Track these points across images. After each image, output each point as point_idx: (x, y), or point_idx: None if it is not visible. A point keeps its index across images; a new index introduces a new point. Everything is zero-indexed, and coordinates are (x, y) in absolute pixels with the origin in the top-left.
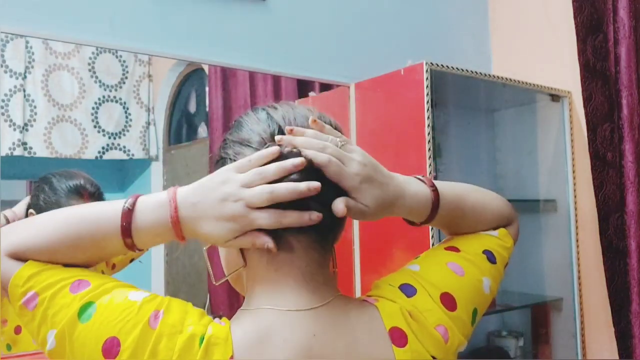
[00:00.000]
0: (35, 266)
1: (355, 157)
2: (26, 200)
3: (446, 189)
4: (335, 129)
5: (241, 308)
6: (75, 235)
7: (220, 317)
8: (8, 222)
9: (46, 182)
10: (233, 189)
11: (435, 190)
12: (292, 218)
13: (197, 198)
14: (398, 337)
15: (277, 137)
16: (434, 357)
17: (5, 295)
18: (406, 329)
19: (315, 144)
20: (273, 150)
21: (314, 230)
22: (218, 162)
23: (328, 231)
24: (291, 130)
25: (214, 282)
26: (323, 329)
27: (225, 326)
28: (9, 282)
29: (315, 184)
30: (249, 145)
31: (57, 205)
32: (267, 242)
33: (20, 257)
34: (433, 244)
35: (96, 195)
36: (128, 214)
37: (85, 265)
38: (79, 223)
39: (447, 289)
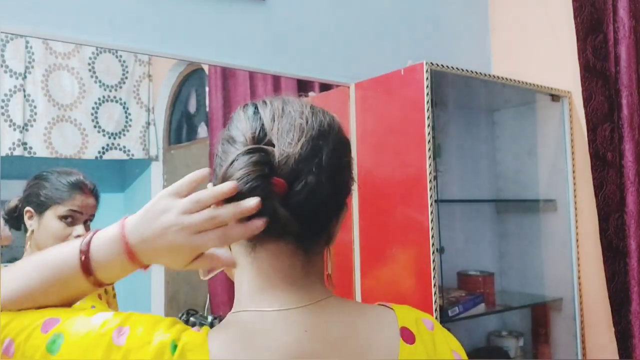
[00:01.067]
0: (8, 315)
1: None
2: None
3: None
4: (322, 134)
5: (230, 312)
6: (41, 283)
7: (219, 318)
8: None
9: (44, 179)
10: (172, 218)
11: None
12: (238, 232)
13: (143, 231)
14: (407, 336)
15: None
16: None
17: None
18: (416, 334)
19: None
20: (203, 171)
21: (292, 237)
22: (215, 157)
23: (309, 236)
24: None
25: (202, 277)
26: (314, 326)
27: (202, 333)
28: None
29: (255, 200)
30: (234, 144)
31: (60, 200)
32: (224, 265)
33: None
34: (433, 244)
35: (95, 192)
36: (85, 255)
37: (63, 305)
38: (42, 270)
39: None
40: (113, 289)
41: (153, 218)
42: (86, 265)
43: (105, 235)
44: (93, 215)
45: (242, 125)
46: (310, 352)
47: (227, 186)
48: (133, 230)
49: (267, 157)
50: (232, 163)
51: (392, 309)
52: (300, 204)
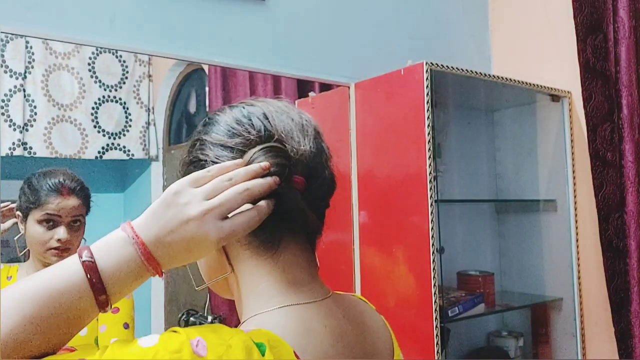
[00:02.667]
0: None
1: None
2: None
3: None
4: (318, 133)
5: (254, 314)
6: (35, 317)
7: (219, 318)
8: None
9: (27, 183)
10: (195, 207)
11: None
12: (265, 208)
13: (158, 229)
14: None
15: None
16: None
17: None
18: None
19: None
20: (238, 161)
21: (304, 232)
22: (193, 163)
23: (315, 232)
24: None
25: (196, 288)
26: (341, 315)
27: (262, 330)
28: None
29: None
30: (231, 148)
31: (38, 204)
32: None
33: None
34: (433, 244)
35: (77, 191)
36: (92, 267)
37: (59, 348)
38: (35, 302)
39: None
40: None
41: (168, 214)
42: (97, 281)
43: (109, 243)
44: (81, 216)
45: (238, 128)
46: (351, 334)
47: (264, 164)
48: (145, 230)
49: (287, 153)
50: (249, 162)
51: (362, 299)
52: (317, 199)
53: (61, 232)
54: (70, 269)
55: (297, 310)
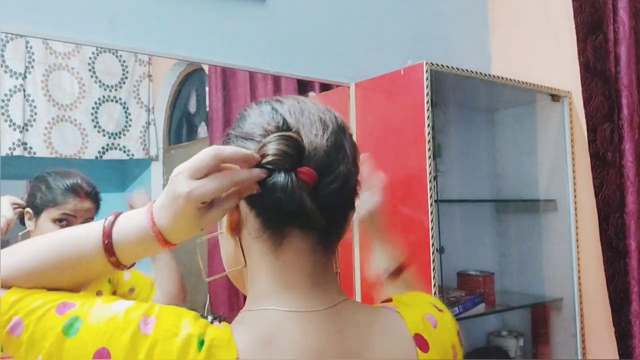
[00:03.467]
0: (19, 292)
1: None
2: (6, 198)
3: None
4: (341, 128)
5: (243, 310)
6: (58, 258)
7: (219, 318)
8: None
9: (42, 181)
10: (177, 172)
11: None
12: (243, 175)
13: (161, 199)
14: (422, 344)
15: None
16: None
17: None
18: (428, 338)
19: None
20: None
21: (317, 231)
22: None
23: (331, 232)
24: None
25: (205, 278)
26: (330, 331)
27: (226, 329)
28: None
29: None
30: (251, 139)
31: (54, 203)
32: (254, 188)
33: (5, 284)
34: (433, 244)
35: (92, 195)
36: (108, 231)
37: (75, 289)
38: (62, 246)
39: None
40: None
41: (167, 191)
42: (109, 243)
43: (130, 213)
44: (91, 218)
45: (259, 120)
46: (333, 356)
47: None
48: (156, 204)
49: (298, 144)
50: (262, 147)
51: (398, 312)
52: (329, 195)
53: None
54: (94, 228)
55: (276, 316)
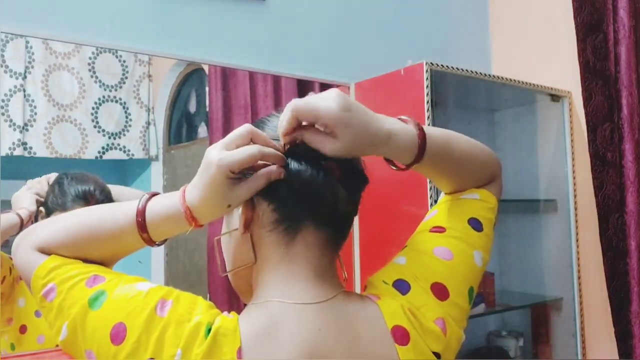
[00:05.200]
0: (57, 259)
1: (331, 94)
2: (31, 192)
3: (434, 131)
4: None
5: (250, 303)
6: (95, 232)
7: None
8: (22, 221)
9: (58, 183)
10: (214, 153)
11: (421, 130)
12: (272, 154)
13: (195, 179)
14: (400, 336)
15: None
16: (435, 353)
17: (28, 286)
18: (408, 327)
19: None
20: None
21: (330, 227)
22: None
23: (343, 229)
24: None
25: (221, 274)
26: (327, 324)
27: (233, 318)
28: (32, 274)
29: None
30: (275, 140)
31: (62, 208)
32: (278, 172)
33: (45, 251)
34: None
35: (104, 203)
36: (142, 210)
37: (107, 260)
38: (99, 220)
39: (437, 278)
40: None
41: (201, 167)
42: (141, 224)
43: (165, 195)
44: None
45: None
46: (323, 353)
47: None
48: (189, 185)
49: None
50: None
51: (378, 304)
52: (351, 192)
53: None
54: (130, 207)
55: (279, 308)
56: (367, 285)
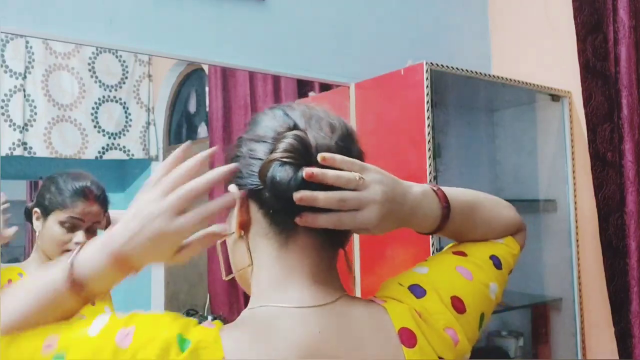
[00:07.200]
0: (4, 340)
1: (374, 196)
2: None
3: (457, 200)
4: (349, 134)
5: (247, 308)
6: (36, 307)
7: (219, 318)
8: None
9: (53, 182)
10: (150, 207)
11: (446, 206)
12: (213, 206)
13: (125, 232)
14: (407, 338)
15: (307, 171)
16: (441, 358)
17: None
18: (415, 330)
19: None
20: (183, 146)
21: (324, 231)
22: (232, 160)
23: (337, 232)
24: (323, 158)
25: (224, 278)
26: (328, 327)
27: (214, 329)
28: None
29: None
30: (263, 142)
31: (63, 206)
32: (208, 244)
33: None
34: (433, 244)
35: (101, 198)
36: (71, 275)
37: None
38: (33, 294)
39: (457, 292)
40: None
41: (134, 215)
42: (74, 285)
43: (88, 249)
44: (98, 222)
45: (272, 124)
46: (323, 355)
47: (204, 153)
48: (115, 235)
49: (306, 142)
50: (273, 148)
51: (384, 307)
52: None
53: (80, 236)
54: (60, 272)
55: (274, 313)
56: (380, 288)
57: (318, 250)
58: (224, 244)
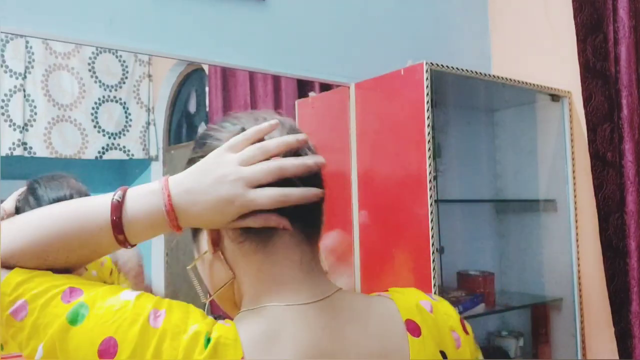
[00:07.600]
0: (23, 273)
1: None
2: (14, 195)
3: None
4: (293, 128)
5: (242, 309)
6: (63, 236)
7: (221, 317)
8: None
9: (31, 191)
10: (230, 169)
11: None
12: (297, 195)
13: (191, 183)
14: (413, 329)
15: (273, 122)
16: (442, 352)
17: None
18: (420, 322)
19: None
20: (272, 122)
21: (302, 224)
22: (193, 161)
23: (313, 225)
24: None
25: (204, 300)
26: (331, 321)
27: (231, 327)
28: None
29: (322, 159)
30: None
31: None
32: (283, 223)
33: (5, 263)
34: (433, 244)
35: None
36: (118, 207)
37: (77, 266)
38: (66, 221)
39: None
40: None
41: (206, 170)
42: (117, 220)
43: (142, 190)
44: None
45: (221, 134)
46: (330, 352)
47: (301, 135)
48: (179, 184)
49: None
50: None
51: (391, 298)
52: (304, 182)
53: None
54: (102, 203)
55: (277, 312)
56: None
57: (299, 244)
58: (195, 268)
